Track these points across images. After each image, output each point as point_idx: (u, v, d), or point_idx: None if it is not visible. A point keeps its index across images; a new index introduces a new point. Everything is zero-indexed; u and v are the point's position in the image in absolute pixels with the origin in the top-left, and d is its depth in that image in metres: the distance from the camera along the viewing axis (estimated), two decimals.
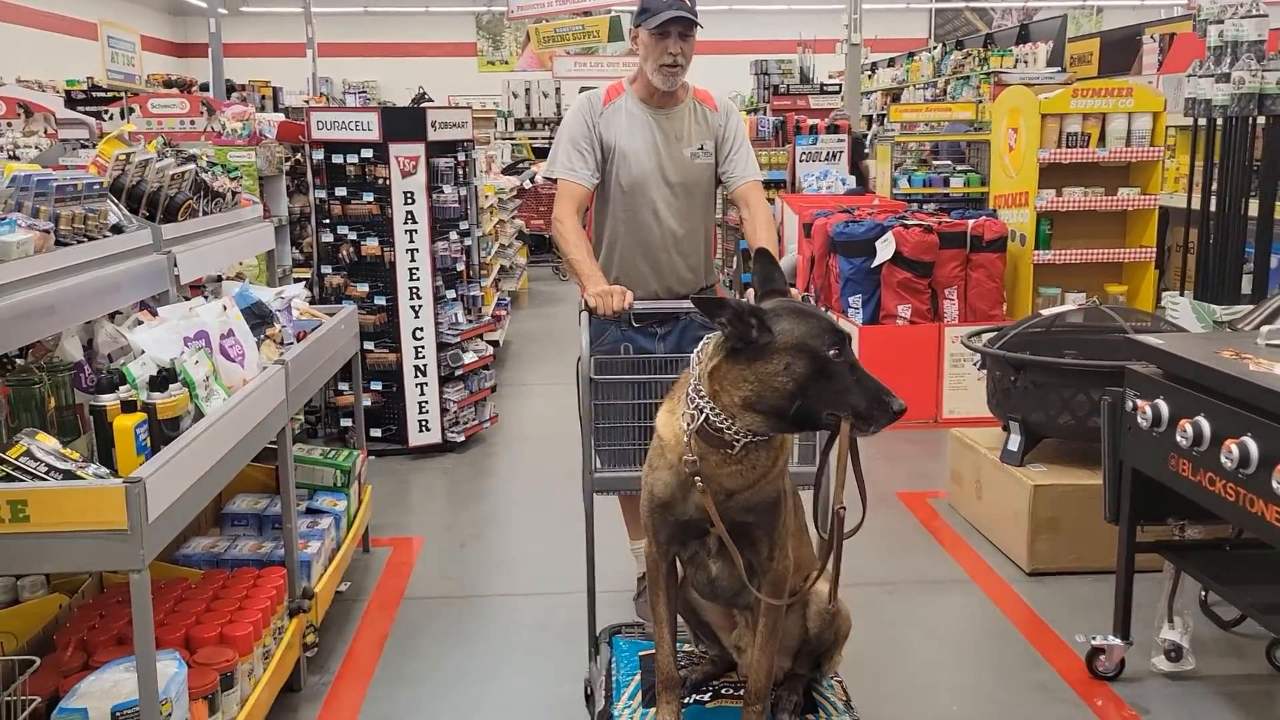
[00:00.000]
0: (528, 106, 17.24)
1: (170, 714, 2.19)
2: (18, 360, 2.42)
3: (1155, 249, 6.01)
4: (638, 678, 2.51)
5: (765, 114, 12.20)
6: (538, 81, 16.98)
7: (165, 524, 2.11)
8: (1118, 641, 3.13)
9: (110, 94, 11.69)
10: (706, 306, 1.99)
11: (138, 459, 2.18)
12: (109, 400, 2.25)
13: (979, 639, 3.59)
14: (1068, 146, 5.94)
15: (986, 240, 5.92)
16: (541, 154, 14.28)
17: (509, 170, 11.58)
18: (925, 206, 8.00)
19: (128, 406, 2.25)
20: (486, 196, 7.89)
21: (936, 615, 3.76)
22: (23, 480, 2.01)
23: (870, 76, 16.21)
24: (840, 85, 12.17)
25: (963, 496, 4.51)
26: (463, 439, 5.58)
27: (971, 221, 6.00)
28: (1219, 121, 4.36)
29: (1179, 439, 2.69)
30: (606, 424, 2.86)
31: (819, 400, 1.95)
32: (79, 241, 2.51)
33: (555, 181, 3.23)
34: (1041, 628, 3.53)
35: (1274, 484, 2.33)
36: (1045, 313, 4.36)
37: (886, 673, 3.22)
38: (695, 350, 2.13)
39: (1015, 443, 4.07)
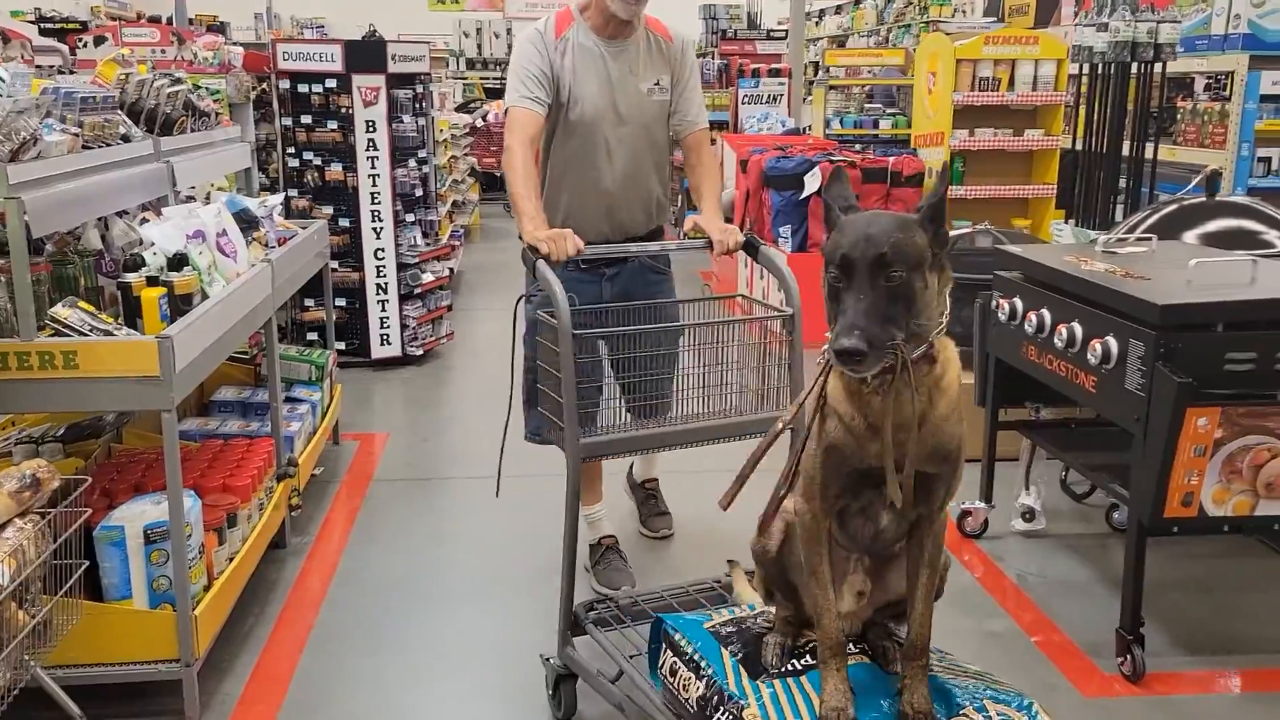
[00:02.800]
0: (479, 46, 17.35)
1: (190, 535, 2.66)
2: (48, 247, 2.83)
3: (1056, 186, 6.58)
4: (725, 653, 2.16)
5: (712, 58, 12.63)
6: (489, 21, 17.08)
7: (188, 374, 2.58)
8: (982, 505, 3.72)
9: (56, 25, 11.88)
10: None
11: (161, 325, 2.63)
12: (134, 277, 2.69)
13: None
14: (980, 90, 6.47)
15: (905, 176, 6.45)
16: (493, 94, 14.50)
17: (461, 109, 11.87)
18: (867, 147, 8.50)
19: (151, 282, 2.69)
20: (441, 131, 8.25)
21: None
22: (70, 335, 2.46)
23: (817, 23, 16.62)
24: (786, 31, 12.58)
25: None
26: (421, 353, 6.04)
27: (892, 159, 6.53)
28: (1099, 68, 4.90)
29: (1027, 328, 3.26)
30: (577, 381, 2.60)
31: None
32: (99, 146, 2.92)
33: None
34: None
35: (1088, 357, 2.90)
36: None
37: None
38: None
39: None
